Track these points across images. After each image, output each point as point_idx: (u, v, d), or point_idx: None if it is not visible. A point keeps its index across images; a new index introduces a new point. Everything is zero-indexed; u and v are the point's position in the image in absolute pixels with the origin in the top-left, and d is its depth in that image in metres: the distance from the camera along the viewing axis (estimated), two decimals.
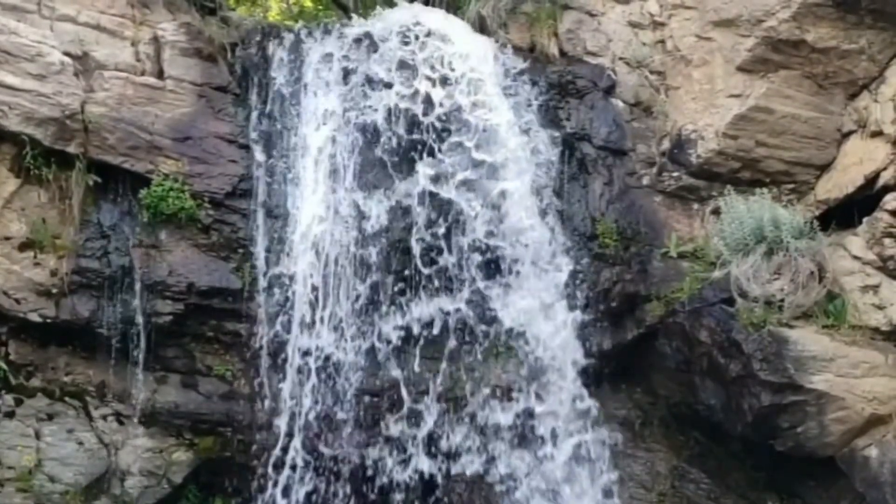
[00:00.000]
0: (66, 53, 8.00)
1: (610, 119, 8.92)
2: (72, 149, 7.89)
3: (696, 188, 8.83)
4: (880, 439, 7.47)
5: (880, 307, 7.82)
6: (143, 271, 7.90)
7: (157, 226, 8.02)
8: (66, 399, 7.99)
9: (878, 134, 8.17)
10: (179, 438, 8.15)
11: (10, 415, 7.78)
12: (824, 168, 8.67)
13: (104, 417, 8.06)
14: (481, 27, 9.22)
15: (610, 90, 9.05)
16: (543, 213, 8.64)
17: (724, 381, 7.87)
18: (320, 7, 13.41)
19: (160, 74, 8.43)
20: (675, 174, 8.85)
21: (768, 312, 7.77)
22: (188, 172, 8.13)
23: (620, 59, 9.14)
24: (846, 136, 8.54)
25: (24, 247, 7.80)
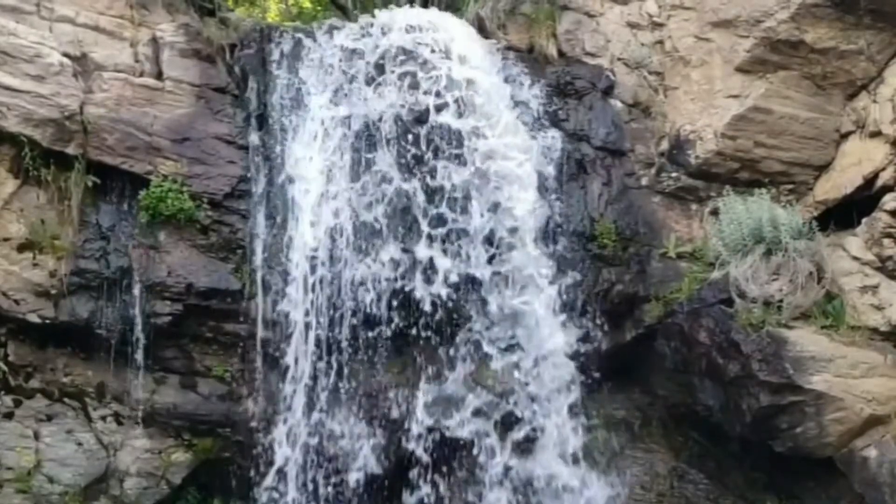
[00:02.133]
0: (65, 54, 8.01)
1: (608, 120, 8.92)
2: (70, 150, 7.89)
3: (695, 189, 8.83)
4: (879, 440, 7.47)
5: (879, 308, 7.82)
6: (142, 272, 7.90)
7: (155, 227, 8.02)
8: (65, 400, 7.99)
9: (876, 134, 8.16)
10: (178, 439, 8.15)
11: (9, 416, 7.78)
12: (823, 168, 8.66)
13: (103, 418, 8.06)
14: (480, 28, 9.21)
15: (608, 91, 9.05)
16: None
17: (723, 382, 7.87)
18: (319, 8, 13.42)
19: (159, 75, 8.44)
20: (674, 175, 8.85)
21: (767, 313, 7.77)
22: (187, 173, 8.14)
23: (619, 59, 9.14)
24: (845, 136, 8.54)
25: (22, 248, 7.80)
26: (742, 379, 7.71)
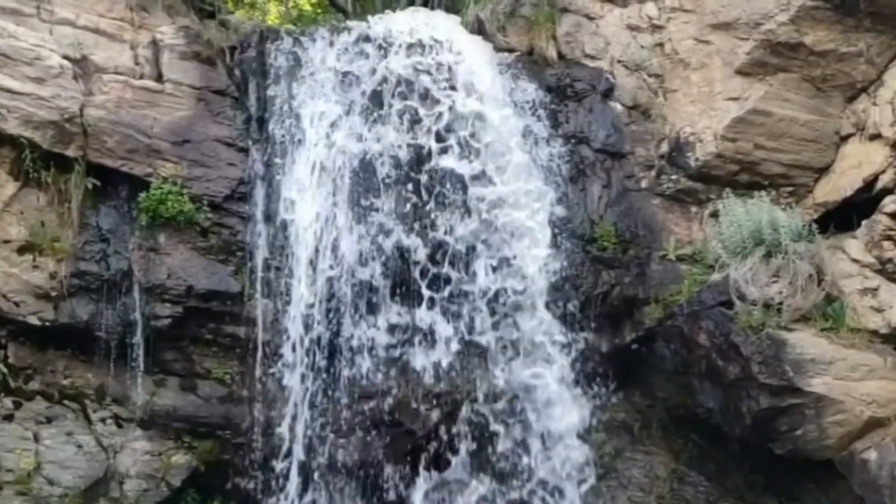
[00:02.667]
0: (65, 57, 8.02)
1: (608, 122, 8.92)
2: (71, 152, 7.89)
3: (695, 191, 8.83)
4: (879, 442, 7.46)
5: (879, 310, 7.82)
6: (142, 274, 7.90)
7: (155, 229, 8.02)
8: (65, 402, 7.99)
9: (876, 137, 8.16)
10: (178, 441, 8.14)
11: (9, 418, 7.78)
12: (823, 171, 8.66)
13: (103, 420, 8.05)
14: (480, 30, 9.21)
15: (608, 93, 9.05)
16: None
17: (723, 384, 7.87)
18: (319, 11, 13.43)
19: (159, 78, 8.45)
20: (674, 177, 8.85)
21: (767, 315, 7.77)
22: (187, 175, 8.14)
23: (619, 62, 9.14)
24: (844, 139, 8.54)
25: (23, 250, 7.80)
26: (742, 381, 7.70)
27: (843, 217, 8.28)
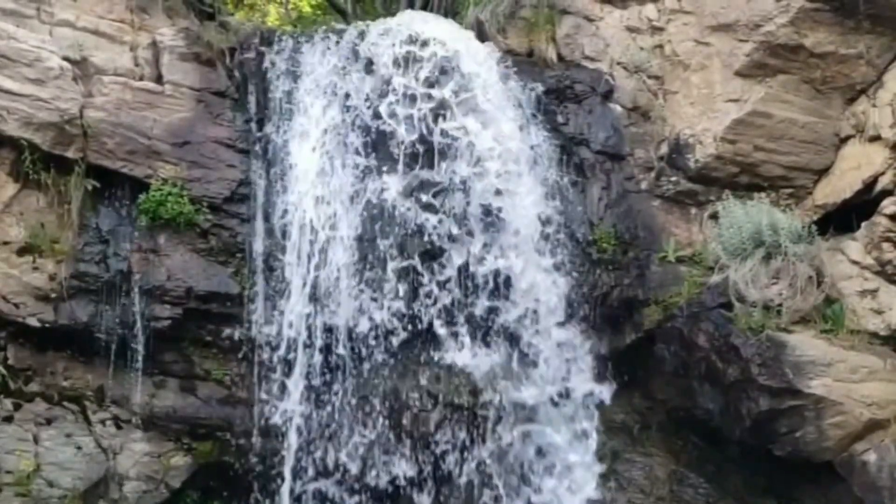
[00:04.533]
0: (65, 58, 8.02)
1: (608, 124, 8.92)
2: (70, 153, 7.90)
3: (695, 193, 8.83)
4: (879, 444, 7.47)
5: (878, 312, 7.83)
6: (142, 276, 7.90)
7: (155, 230, 8.03)
8: (65, 403, 7.99)
9: (876, 139, 8.17)
10: (178, 443, 8.15)
11: (9, 419, 7.78)
12: (822, 173, 8.67)
13: (102, 422, 8.05)
14: (480, 32, 9.21)
15: (608, 95, 9.05)
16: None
17: (723, 386, 7.87)
18: (319, 12, 13.44)
19: (159, 79, 8.45)
20: (674, 179, 8.84)
21: (766, 317, 7.77)
22: (187, 177, 8.15)
23: (618, 63, 9.14)
24: (844, 140, 8.54)
25: (22, 251, 7.80)
26: (741, 383, 7.71)
27: (842, 219, 8.28)
